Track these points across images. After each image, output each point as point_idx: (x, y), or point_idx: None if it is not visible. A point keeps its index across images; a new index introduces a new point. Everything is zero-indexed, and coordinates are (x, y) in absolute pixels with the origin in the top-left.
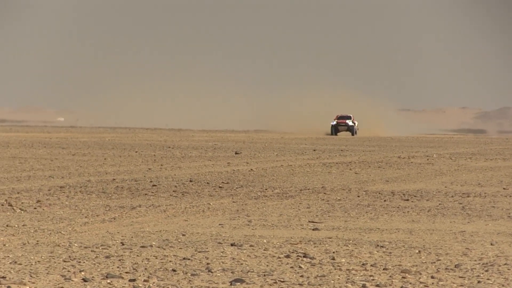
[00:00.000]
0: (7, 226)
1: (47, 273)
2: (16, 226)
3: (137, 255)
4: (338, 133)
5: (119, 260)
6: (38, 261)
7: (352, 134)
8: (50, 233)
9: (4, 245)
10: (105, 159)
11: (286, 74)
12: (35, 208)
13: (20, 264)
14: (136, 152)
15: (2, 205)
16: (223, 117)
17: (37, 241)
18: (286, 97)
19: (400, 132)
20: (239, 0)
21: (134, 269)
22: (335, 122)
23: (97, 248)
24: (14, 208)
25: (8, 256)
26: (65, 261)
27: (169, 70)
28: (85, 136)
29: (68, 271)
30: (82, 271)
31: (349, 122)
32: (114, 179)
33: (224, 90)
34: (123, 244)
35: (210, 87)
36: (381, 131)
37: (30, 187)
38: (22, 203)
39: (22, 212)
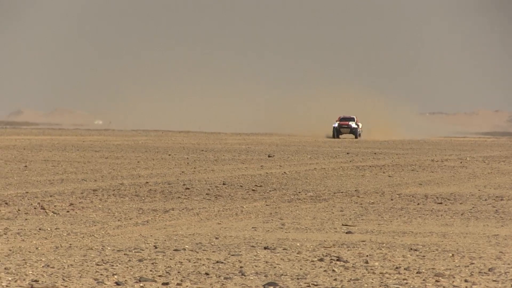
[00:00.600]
0: (39, 229)
1: (80, 277)
2: (48, 229)
3: (170, 259)
4: (340, 136)
5: (152, 263)
6: (71, 265)
7: (356, 137)
8: (83, 237)
9: (37, 248)
10: (138, 162)
11: (307, 73)
12: (68, 211)
13: (53, 267)
14: (169, 155)
15: (35, 208)
16: (251, 119)
17: (70, 244)
18: (305, 97)
19: (422, 135)
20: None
21: (167, 272)
22: (337, 124)
23: (130, 252)
24: (47, 211)
25: (41, 260)
26: (98, 265)
27: (197, 72)
28: (118, 139)
29: (101, 274)
30: (115, 274)
31: (352, 124)
32: (147, 182)
33: (252, 91)
34: (156, 248)
35: (238, 89)
36: (398, 134)
37: (63, 190)
38: (54, 206)
39: (55, 215)
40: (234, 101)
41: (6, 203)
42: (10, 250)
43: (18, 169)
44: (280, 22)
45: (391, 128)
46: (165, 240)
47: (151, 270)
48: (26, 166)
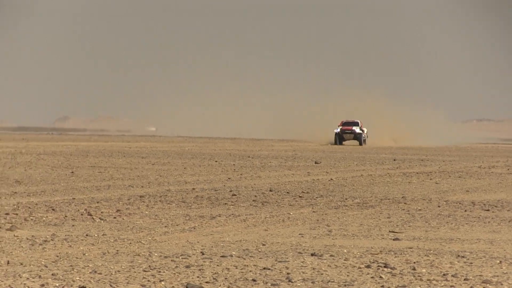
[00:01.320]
0: (86, 235)
1: (127, 283)
2: (95, 235)
3: (217, 265)
4: (343, 142)
5: (199, 269)
6: (118, 271)
7: (360, 144)
8: (130, 243)
9: (84, 254)
10: (184, 168)
11: (326, 78)
12: (114, 218)
13: (100, 273)
14: (216, 161)
15: (82, 214)
16: (267, 124)
17: (117, 250)
18: (324, 102)
19: (456, 141)
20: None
21: (214, 278)
22: (339, 129)
23: (177, 258)
24: (94, 217)
25: (88, 266)
26: (145, 271)
27: (240, 79)
28: (164, 145)
29: (148, 280)
30: (162, 280)
31: (356, 129)
32: (194, 189)
33: (294, 99)
34: (203, 254)
35: (280, 97)
36: (426, 140)
37: (109, 196)
38: (101, 212)
39: (102, 221)
40: (264, 107)
41: (53, 209)
42: (57, 256)
43: (65, 175)
44: (301, 27)
45: (418, 135)
46: (212, 247)
47: (198, 277)
48: (72, 172)
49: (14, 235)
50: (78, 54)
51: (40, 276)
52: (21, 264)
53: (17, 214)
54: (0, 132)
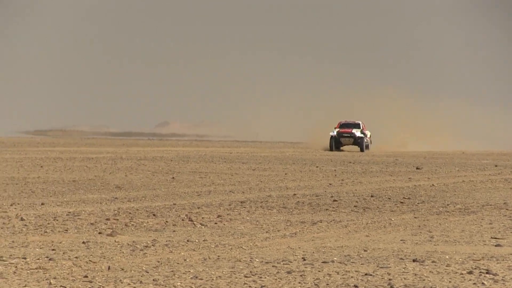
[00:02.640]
0: (187, 241)
1: None
2: (196, 241)
3: (319, 271)
4: (341, 147)
5: (301, 275)
6: (219, 276)
7: (361, 149)
8: (231, 248)
9: (185, 260)
10: (285, 174)
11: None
12: (215, 223)
13: (201, 279)
14: (317, 167)
15: (183, 220)
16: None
17: (218, 256)
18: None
19: None
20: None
21: (315, 284)
22: (335, 132)
23: (279, 263)
24: (195, 223)
25: (189, 271)
26: (246, 277)
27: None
28: (265, 151)
29: (250, 286)
30: (264, 286)
31: (357, 133)
32: (294, 194)
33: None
34: (304, 260)
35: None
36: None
37: (210, 202)
38: (202, 218)
39: (203, 227)
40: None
41: (154, 215)
42: (158, 262)
43: (166, 180)
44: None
45: (457, 135)
46: (313, 252)
47: (299, 282)
48: (173, 177)
49: (115, 241)
50: (176, 60)
51: (141, 282)
52: (122, 269)
53: (117, 219)
54: (101, 137)
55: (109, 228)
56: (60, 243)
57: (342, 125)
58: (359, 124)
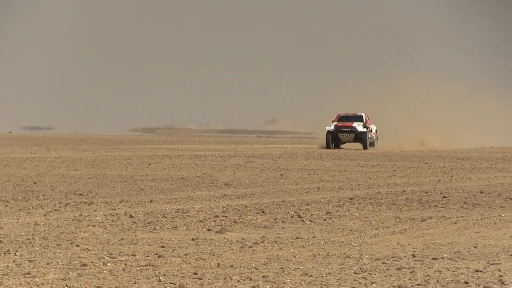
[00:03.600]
0: (297, 238)
1: (338, 285)
2: (306, 237)
3: (429, 267)
4: (340, 145)
5: (411, 272)
6: (329, 273)
7: (364, 147)
8: (340, 245)
9: (294, 256)
10: (394, 170)
11: None
12: (324, 220)
13: (311, 276)
14: (426, 163)
15: (292, 216)
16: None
17: (328, 253)
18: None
19: None
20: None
21: (425, 281)
22: (333, 127)
23: (388, 260)
24: (304, 219)
25: (299, 268)
26: (356, 273)
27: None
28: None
29: (359, 283)
30: (374, 283)
31: (358, 127)
32: (403, 191)
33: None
34: (414, 256)
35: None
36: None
37: (319, 198)
38: (311, 214)
39: (312, 223)
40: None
41: (263, 212)
42: (267, 259)
43: (274, 177)
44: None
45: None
46: (423, 249)
47: (409, 279)
48: (282, 174)
49: (224, 238)
50: (284, 59)
51: (250, 279)
52: (231, 266)
53: (226, 216)
54: (209, 135)
55: (218, 225)
56: (169, 240)
57: (341, 118)
58: (361, 116)
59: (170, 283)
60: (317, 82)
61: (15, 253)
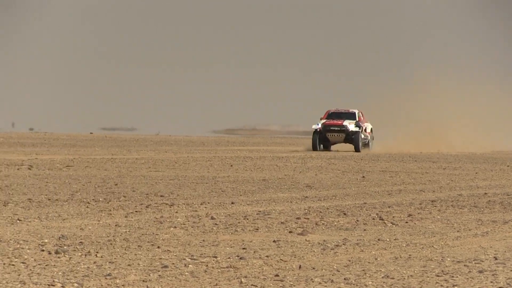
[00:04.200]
0: (378, 240)
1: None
2: (387, 240)
3: (511, 270)
4: (330, 146)
5: (493, 275)
6: (411, 275)
7: (357, 149)
8: (422, 247)
9: (376, 259)
10: (476, 173)
11: None
12: (406, 222)
13: (392, 278)
14: (508, 166)
15: (373, 219)
16: None
17: (409, 255)
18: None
19: None
20: None
21: (507, 284)
22: (320, 125)
23: (470, 263)
24: (385, 222)
25: (380, 270)
26: (438, 276)
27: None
28: (455, 150)
29: (441, 285)
30: (456, 285)
31: (349, 125)
32: (485, 193)
33: None
34: (496, 259)
35: None
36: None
37: (401, 201)
38: (393, 217)
39: (393, 226)
40: None
41: (345, 214)
42: (349, 261)
43: (356, 179)
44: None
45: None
46: (505, 251)
47: (491, 282)
48: (363, 176)
49: (305, 240)
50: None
51: (332, 281)
52: (313, 268)
53: (308, 218)
54: (290, 136)
55: (299, 227)
56: (250, 242)
57: (330, 115)
58: (354, 113)
59: (252, 285)
60: None
61: (96, 255)
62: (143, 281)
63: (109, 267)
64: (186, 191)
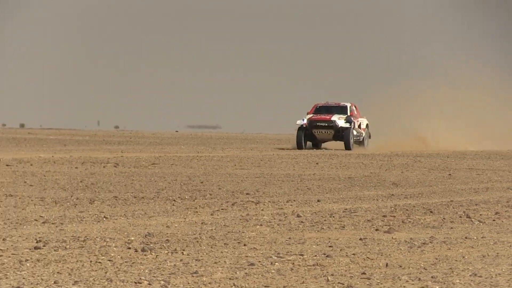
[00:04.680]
0: (465, 238)
1: (508, 286)
2: (474, 238)
3: None
4: (319, 144)
5: None
6: (499, 274)
7: (347, 147)
8: (510, 246)
9: (463, 257)
10: None
11: None
12: (493, 220)
13: (480, 276)
14: None
15: (460, 216)
16: None
17: (497, 253)
18: None
19: None
20: None
21: None
22: (305, 120)
23: None
24: (472, 220)
25: (468, 269)
26: None
27: None
28: None
29: None
30: None
31: (339, 121)
32: None
33: None
34: None
35: None
36: None
37: (488, 199)
38: (480, 215)
39: (481, 224)
40: None
41: (431, 212)
42: (436, 259)
43: (442, 177)
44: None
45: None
46: None
47: None
48: (450, 174)
49: (392, 238)
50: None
51: (419, 279)
52: (400, 266)
53: (394, 216)
54: None
55: (386, 225)
56: (337, 239)
57: (318, 109)
58: (345, 107)
59: (338, 283)
60: None
61: (182, 252)
62: (230, 278)
63: (196, 265)
64: (272, 189)
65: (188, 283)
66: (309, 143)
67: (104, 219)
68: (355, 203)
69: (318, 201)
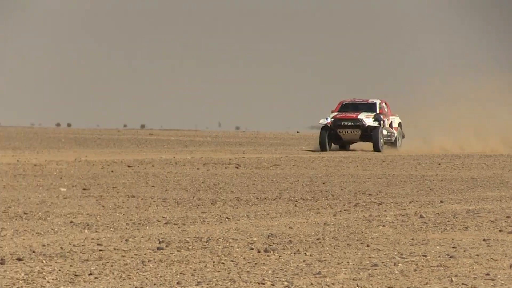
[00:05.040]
0: None
1: None
2: None
3: None
4: (347, 145)
5: None
6: None
7: (376, 148)
8: None
9: None
10: None
11: None
12: None
13: None
14: None
15: None
16: None
17: None
18: None
19: None
20: None
21: None
22: (329, 119)
23: None
24: None
25: None
26: None
27: None
28: None
29: None
30: None
31: (366, 119)
32: None
33: None
34: None
35: None
36: None
37: None
38: None
39: None
40: None
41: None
42: None
43: None
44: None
45: None
46: None
47: None
48: None
49: None
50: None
51: None
52: None
53: None
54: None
55: (509, 226)
56: (460, 240)
57: (344, 107)
58: (374, 104)
59: (462, 284)
60: None
61: (305, 253)
62: (353, 279)
63: (319, 266)
64: (394, 190)
65: (312, 284)
66: (334, 145)
67: (227, 219)
68: (478, 204)
69: (441, 202)
